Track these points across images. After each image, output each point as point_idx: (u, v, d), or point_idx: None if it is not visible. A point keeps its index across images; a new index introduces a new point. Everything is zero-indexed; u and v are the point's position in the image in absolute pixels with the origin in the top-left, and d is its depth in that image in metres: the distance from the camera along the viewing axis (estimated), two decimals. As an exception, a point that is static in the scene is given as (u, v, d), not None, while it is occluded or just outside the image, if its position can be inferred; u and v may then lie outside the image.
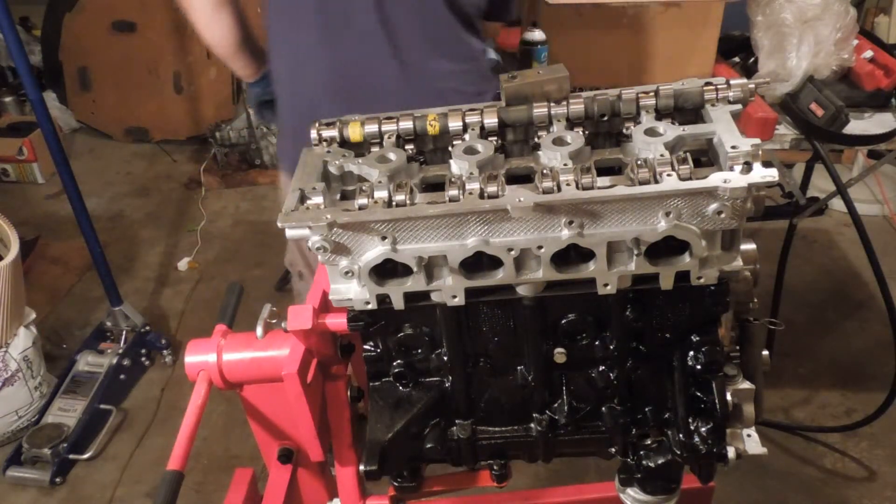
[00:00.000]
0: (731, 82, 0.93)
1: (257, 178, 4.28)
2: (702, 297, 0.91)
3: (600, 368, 0.98)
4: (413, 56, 1.67)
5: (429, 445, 1.01)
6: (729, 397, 0.99)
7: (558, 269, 0.86)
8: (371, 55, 1.66)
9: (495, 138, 0.95)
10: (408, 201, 0.84)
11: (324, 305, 1.01)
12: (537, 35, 2.15)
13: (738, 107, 0.92)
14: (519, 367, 0.98)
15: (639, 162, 0.84)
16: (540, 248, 0.84)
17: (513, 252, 0.84)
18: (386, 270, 0.88)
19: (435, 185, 0.91)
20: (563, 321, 0.94)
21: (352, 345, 1.11)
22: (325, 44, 1.66)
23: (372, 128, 0.97)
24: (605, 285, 0.87)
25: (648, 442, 1.02)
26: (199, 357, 1.04)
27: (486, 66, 1.80)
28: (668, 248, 0.85)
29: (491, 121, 0.95)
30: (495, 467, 1.07)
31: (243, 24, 1.78)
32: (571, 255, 0.86)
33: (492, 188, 0.83)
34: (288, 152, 1.85)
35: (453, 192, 0.83)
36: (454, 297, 0.89)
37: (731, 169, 0.82)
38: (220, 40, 1.77)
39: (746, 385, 1.01)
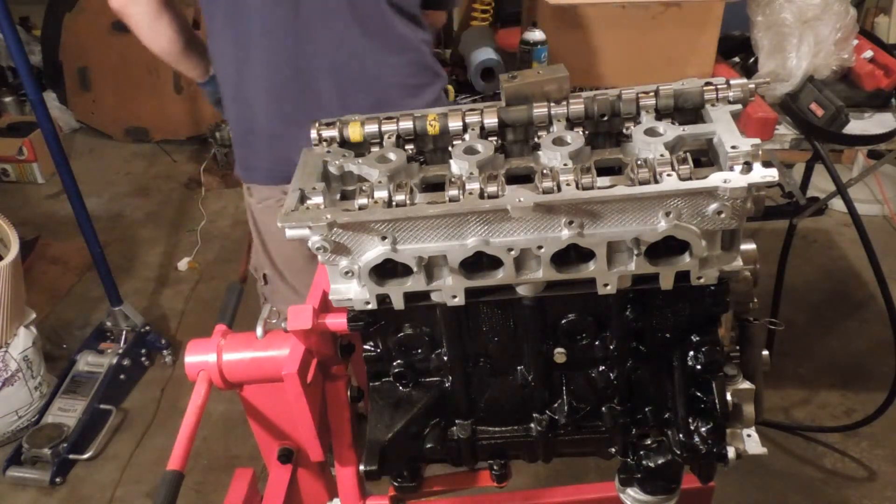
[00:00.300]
0: (731, 82, 0.93)
1: (257, 178, 4.28)
2: (702, 297, 0.91)
3: (600, 368, 0.98)
4: (351, 50, 1.65)
5: (429, 445, 1.01)
6: (729, 397, 0.99)
7: (558, 269, 0.86)
8: (309, 52, 1.64)
9: (495, 138, 0.95)
10: (408, 201, 0.84)
11: (324, 305, 1.01)
12: (537, 35, 2.15)
13: (738, 107, 0.92)
14: (519, 367, 0.98)
15: (639, 162, 0.84)
16: (540, 248, 0.84)
17: (513, 252, 0.84)
18: (386, 270, 0.88)
19: (435, 185, 0.91)
20: (563, 321, 0.94)
21: (352, 345, 1.10)
22: (263, 46, 1.64)
23: (372, 128, 0.96)
24: (605, 285, 0.87)
25: (648, 442, 1.02)
26: (199, 357, 1.04)
27: (429, 58, 1.77)
28: (668, 248, 0.85)
29: (491, 121, 0.95)
30: (495, 467, 1.07)
31: (186, 28, 1.76)
32: (571, 255, 0.86)
33: (492, 188, 0.83)
34: (239, 158, 1.83)
35: (453, 192, 0.83)
36: (454, 297, 0.89)
37: (731, 169, 0.82)
38: (164, 47, 1.76)
39: (746, 385, 1.01)
